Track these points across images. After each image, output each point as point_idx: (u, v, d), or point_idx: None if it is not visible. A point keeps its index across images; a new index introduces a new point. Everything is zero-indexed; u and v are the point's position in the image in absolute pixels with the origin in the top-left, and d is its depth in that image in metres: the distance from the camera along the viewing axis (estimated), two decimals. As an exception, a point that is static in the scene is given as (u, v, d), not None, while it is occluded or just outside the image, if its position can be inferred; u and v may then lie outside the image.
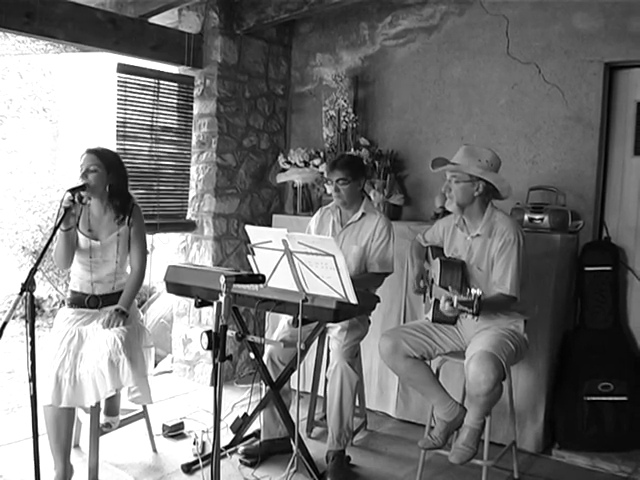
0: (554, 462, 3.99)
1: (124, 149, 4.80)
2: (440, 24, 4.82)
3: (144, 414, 3.91)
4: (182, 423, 4.26)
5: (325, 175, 3.90)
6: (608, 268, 4.15)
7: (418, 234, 3.88)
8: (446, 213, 3.90)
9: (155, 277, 6.18)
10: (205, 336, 2.39)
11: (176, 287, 3.77)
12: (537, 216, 4.11)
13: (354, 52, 5.31)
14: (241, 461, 3.81)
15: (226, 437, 3.91)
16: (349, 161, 3.91)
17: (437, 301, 3.32)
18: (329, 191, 3.88)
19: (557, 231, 4.05)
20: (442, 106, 4.84)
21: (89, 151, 3.48)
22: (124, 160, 4.64)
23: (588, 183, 4.25)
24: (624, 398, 3.93)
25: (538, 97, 4.38)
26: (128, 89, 4.80)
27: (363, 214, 3.90)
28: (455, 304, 2.90)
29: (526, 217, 4.14)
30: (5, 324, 2.52)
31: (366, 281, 3.82)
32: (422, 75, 4.94)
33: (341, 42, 5.39)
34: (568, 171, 4.29)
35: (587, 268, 4.18)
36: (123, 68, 4.75)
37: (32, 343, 2.62)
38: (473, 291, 2.87)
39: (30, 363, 2.63)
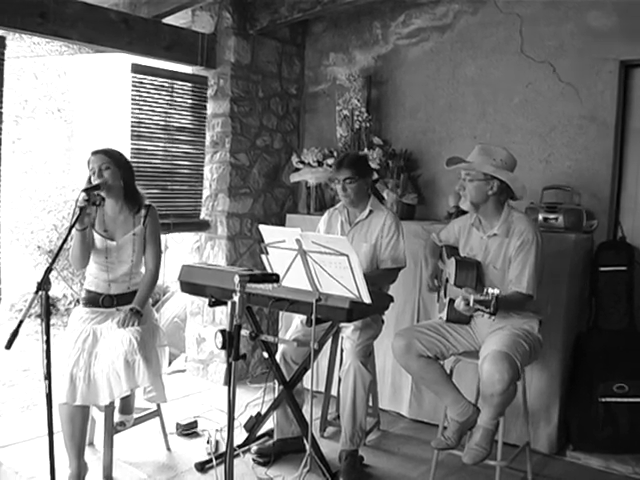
0: (568, 463, 3.97)
1: (138, 149, 4.81)
2: (453, 23, 4.81)
3: (158, 413, 3.92)
4: (196, 422, 4.27)
5: (333, 174, 3.90)
6: (623, 268, 4.12)
7: (433, 233, 3.87)
8: (460, 213, 3.89)
9: (169, 276, 6.21)
10: (219, 335, 2.40)
11: (190, 286, 3.78)
12: (551, 216, 4.09)
13: (367, 51, 5.31)
14: (254, 460, 3.81)
15: (239, 436, 3.91)
16: (355, 160, 3.91)
17: (452, 300, 3.31)
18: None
19: (571, 231, 4.03)
20: (455, 105, 4.83)
21: (95, 152, 3.51)
22: (138, 160, 4.69)
23: (603, 182, 4.22)
24: (639, 400, 3.91)
25: (552, 96, 4.36)
26: (142, 89, 4.81)
27: (370, 212, 3.91)
28: (472, 303, 2.88)
29: (540, 217, 4.12)
30: (21, 323, 2.54)
31: (380, 278, 3.83)
32: (435, 74, 4.93)
33: (354, 41, 5.39)
34: (582, 170, 4.27)
35: (602, 268, 4.15)
36: (137, 68, 4.77)
37: (47, 342, 2.64)
38: (491, 290, 2.84)
39: (45, 361, 2.65)
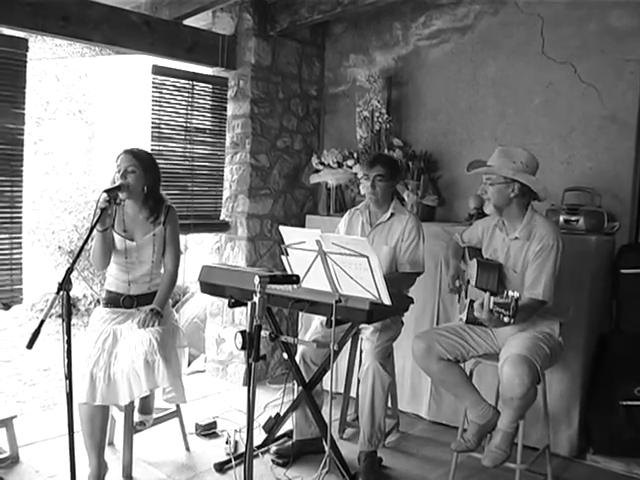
0: (588, 467, 3.94)
1: (159, 150, 4.84)
2: (474, 24, 4.79)
3: (177, 413, 3.94)
4: (215, 422, 4.28)
5: (364, 170, 3.90)
6: (645, 270, 4.08)
7: (455, 234, 3.85)
8: (480, 214, 3.87)
9: (189, 277, 6.24)
10: (239, 336, 2.40)
11: (210, 287, 3.79)
12: (572, 217, 4.06)
13: (387, 52, 5.30)
14: (273, 461, 3.82)
15: (258, 437, 3.92)
16: (389, 160, 3.96)
17: (472, 301, 3.29)
18: (362, 191, 3.89)
19: (593, 233, 4.00)
20: (476, 107, 4.81)
21: (126, 152, 3.51)
22: (159, 161, 4.70)
23: (624, 184, 4.18)
24: (661, 403, 3.87)
25: (573, 97, 4.33)
26: (163, 90, 4.84)
27: (392, 214, 3.91)
28: (491, 305, 2.86)
29: (561, 218, 4.10)
30: (42, 322, 2.56)
31: (398, 281, 3.80)
32: (456, 75, 4.91)
33: (374, 42, 5.39)
34: (604, 172, 4.24)
35: (623, 270, 4.10)
36: (158, 70, 4.80)
37: (68, 341, 2.65)
38: (511, 293, 2.82)
39: (66, 361, 2.66)
